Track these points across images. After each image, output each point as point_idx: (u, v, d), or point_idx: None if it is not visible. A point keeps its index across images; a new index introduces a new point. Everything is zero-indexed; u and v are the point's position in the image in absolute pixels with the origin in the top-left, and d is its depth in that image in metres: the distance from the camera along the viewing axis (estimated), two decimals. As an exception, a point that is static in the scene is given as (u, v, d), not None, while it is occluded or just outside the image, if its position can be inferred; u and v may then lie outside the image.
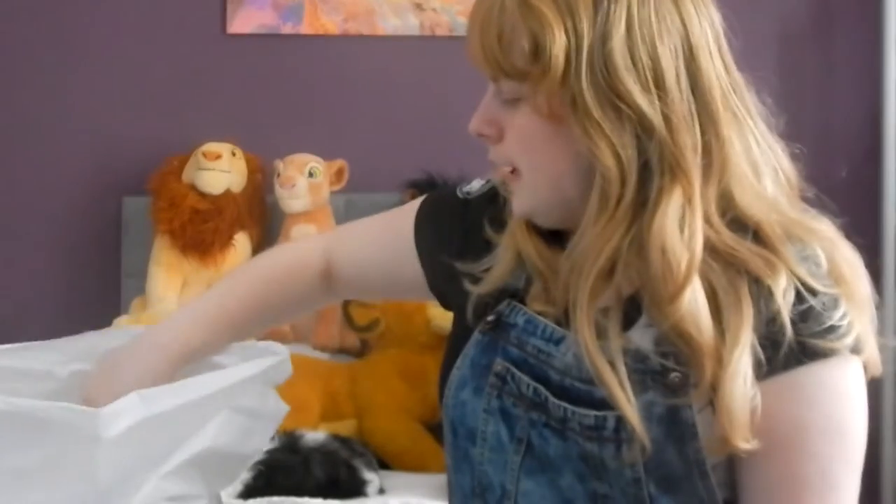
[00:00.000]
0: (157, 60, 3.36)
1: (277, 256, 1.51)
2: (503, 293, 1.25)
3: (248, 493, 2.51)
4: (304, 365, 2.99)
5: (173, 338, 1.36)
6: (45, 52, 3.33)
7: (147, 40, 3.35)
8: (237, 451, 1.30)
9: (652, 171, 1.13)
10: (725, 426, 1.10)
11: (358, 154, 3.29)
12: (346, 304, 3.03)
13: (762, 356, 1.12)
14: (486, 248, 1.29)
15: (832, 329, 1.13)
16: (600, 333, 1.15)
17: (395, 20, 3.38)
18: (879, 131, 3.34)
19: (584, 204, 1.16)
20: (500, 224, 1.29)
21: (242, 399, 1.30)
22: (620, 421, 1.14)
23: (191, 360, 1.35)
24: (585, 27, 1.13)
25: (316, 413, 2.91)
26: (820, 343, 1.13)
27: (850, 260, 1.18)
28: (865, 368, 1.17)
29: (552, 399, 1.18)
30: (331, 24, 3.37)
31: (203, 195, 3.16)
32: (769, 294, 1.12)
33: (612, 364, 1.14)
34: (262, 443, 1.35)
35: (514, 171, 1.21)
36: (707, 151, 1.14)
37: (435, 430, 2.92)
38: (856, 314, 1.15)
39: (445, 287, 1.35)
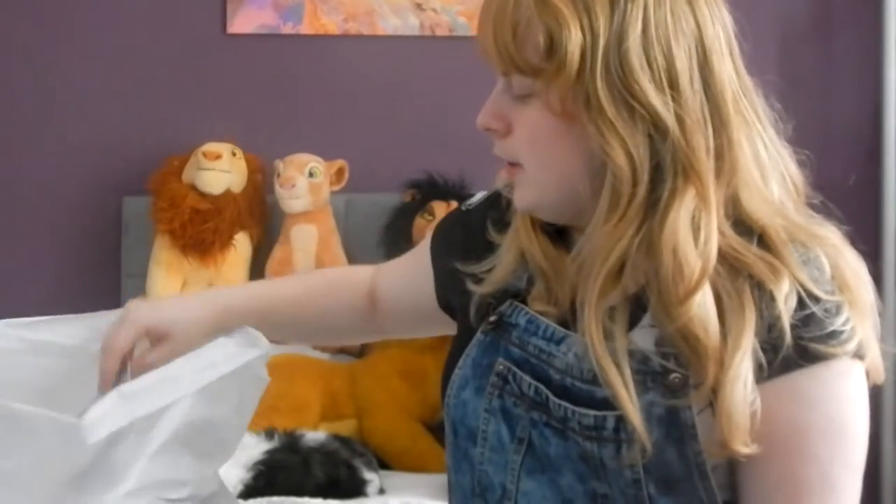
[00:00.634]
0: (157, 60, 3.36)
1: (329, 269, 1.54)
2: (505, 294, 1.26)
3: (248, 493, 2.51)
4: (304, 365, 2.99)
5: (220, 295, 1.45)
6: (45, 52, 3.34)
7: (147, 40, 3.35)
8: (218, 418, 1.29)
9: (664, 171, 1.13)
10: (725, 430, 1.10)
11: (358, 154, 3.30)
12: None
13: (763, 360, 1.12)
14: (489, 248, 1.29)
15: (834, 334, 1.13)
16: (606, 334, 1.15)
17: (395, 20, 3.38)
18: (880, 132, 3.34)
19: (591, 201, 1.16)
20: (502, 225, 1.29)
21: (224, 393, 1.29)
22: (620, 421, 1.14)
23: (225, 324, 1.36)
24: (602, 25, 1.12)
25: (316, 413, 2.91)
26: (821, 347, 1.13)
27: (854, 266, 1.18)
28: (868, 375, 1.17)
29: (553, 399, 1.18)
30: (331, 24, 3.37)
31: (203, 195, 3.17)
32: (771, 299, 1.12)
33: (617, 365, 1.14)
34: (244, 408, 1.33)
35: (518, 164, 1.21)
36: (719, 154, 1.15)
37: (435, 430, 2.92)
38: (858, 320, 1.15)
39: (450, 294, 1.36)
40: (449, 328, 1.40)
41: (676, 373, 1.13)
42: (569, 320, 1.20)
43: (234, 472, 2.51)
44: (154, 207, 3.19)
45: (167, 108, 3.36)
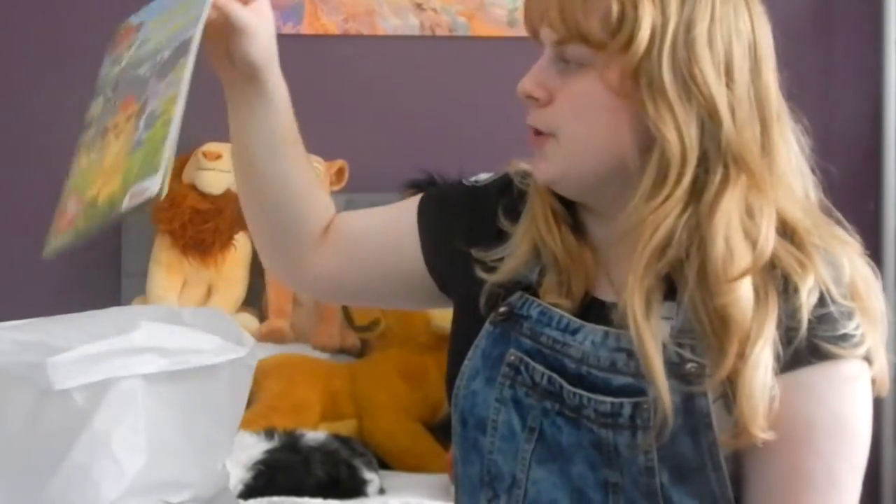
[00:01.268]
0: (157, 60, 3.35)
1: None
2: (517, 285, 1.26)
3: (248, 493, 2.51)
4: (304, 365, 2.99)
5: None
6: (45, 52, 3.33)
7: (147, 40, 3.35)
8: (210, 405, 1.29)
9: (711, 159, 1.16)
10: (745, 415, 1.13)
11: (358, 154, 3.29)
12: (345, 305, 3.03)
13: (779, 352, 1.14)
14: (498, 237, 1.29)
15: (846, 336, 1.16)
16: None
17: (395, 20, 3.38)
18: (879, 131, 3.34)
19: (628, 179, 1.18)
20: (514, 214, 1.30)
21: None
22: (636, 408, 1.15)
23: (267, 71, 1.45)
24: (673, 9, 1.16)
25: (316, 413, 2.91)
26: (833, 347, 1.16)
27: (867, 276, 1.20)
28: (873, 384, 1.19)
29: (567, 387, 1.20)
30: (331, 24, 3.37)
31: (203, 195, 3.17)
32: (795, 292, 1.15)
33: (654, 338, 1.15)
34: (235, 398, 1.33)
35: (549, 135, 1.21)
36: (765, 151, 1.19)
37: (435, 430, 2.92)
38: (869, 328, 1.18)
39: (447, 270, 1.35)
40: (400, 299, 1.44)
41: (693, 362, 1.15)
42: (583, 311, 1.22)
43: (234, 472, 2.51)
44: (154, 207, 3.19)
45: (167, 108, 3.35)
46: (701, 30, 1.16)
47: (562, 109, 1.20)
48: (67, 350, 1.20)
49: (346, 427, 2.92)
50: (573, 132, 1.20)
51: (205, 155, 3.16)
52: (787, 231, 1.19)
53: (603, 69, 1.17)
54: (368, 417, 2.94)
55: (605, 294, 1.24)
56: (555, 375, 1.21)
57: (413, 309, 2.71)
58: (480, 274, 1.28)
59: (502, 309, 1.26)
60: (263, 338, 3.04)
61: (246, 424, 2.34)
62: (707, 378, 1.15)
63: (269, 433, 2.66)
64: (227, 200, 3.17)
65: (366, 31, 3.38)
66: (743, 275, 1.14)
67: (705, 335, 1.15)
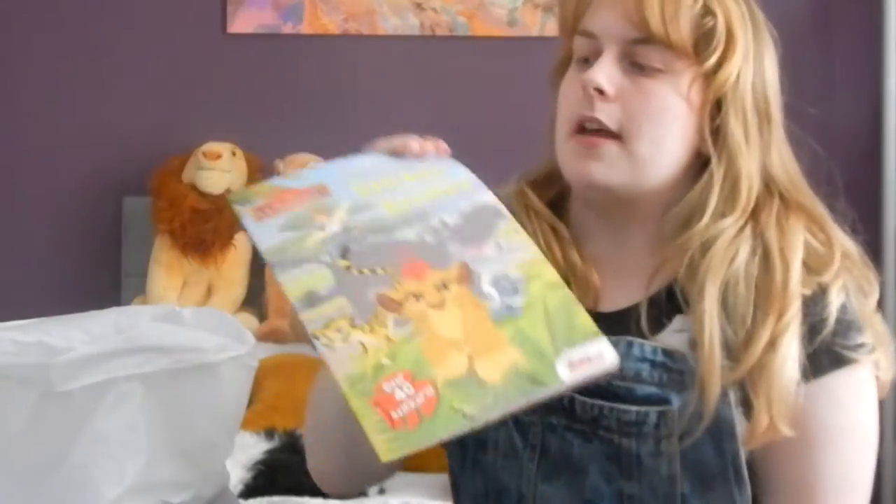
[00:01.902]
0: (157, 60, 3.36)
1: None
2: None
3: (248, 493, 2.51)
4: (304, 365, 2.99)
5: None
6: (45, 52, 3.33)
7: (147, 40, 3.35)
8: (212, 403, 1.29)
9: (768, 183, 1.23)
10: (773, 409, 1.14)
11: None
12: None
13: (804, 349, 1.17)
14: None
15: (863, 345, 1.19)
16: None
17: (395, 20, 3.38)
18: (879, 131, 3.34)
19: (670, 194, 1.21)
20: None
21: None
22: (662, 416, 1.16)
23: None
24: (751, 36, 1.23)
25: (316, 413, 2.90)
26: (852, 354, 1.18)
27: (871, 278, 1.25)
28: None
29: (582, 399, 1.19)
30: (331, 24, 3.37)
31: (203, 195, 3.17)
32: (823, 292, 1.18)
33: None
34: (237, 396, 1.33)
35: (611, 137, 1.20)
36: (793, 171, 1.27)
37: (435, 430, 2.91)
38: (877, 338, 1.21)
39: None
40: None
41: None
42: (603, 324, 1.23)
43: (235, 472, 2.50)
44: (154, 207, 3.19)
45: (167, 108, 3.36)
46: (769, 59, 1.25)
47: (634, 110, 1.19)
48: (68, 351, 1.20)
49: (346, 427, 2.91)
50: (646, 135, 1.19)
51: (205, 155, 3.16)
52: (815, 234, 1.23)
53: (679, 77, 1.19)
54: (368, 417, 2.93)
55: (608, 306, 1.23)
56: None
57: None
58: None
59: None
60: (263, 338, 3.04)
61: (246, 424, 2.33)
62: (730, 388, 1.16)
63: (269, 433, 2.66)
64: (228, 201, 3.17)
65: (366, 31, 3.37)
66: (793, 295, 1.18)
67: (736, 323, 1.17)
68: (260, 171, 3.26)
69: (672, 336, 1.19)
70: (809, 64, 3.40)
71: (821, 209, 1.24)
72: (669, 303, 1.21)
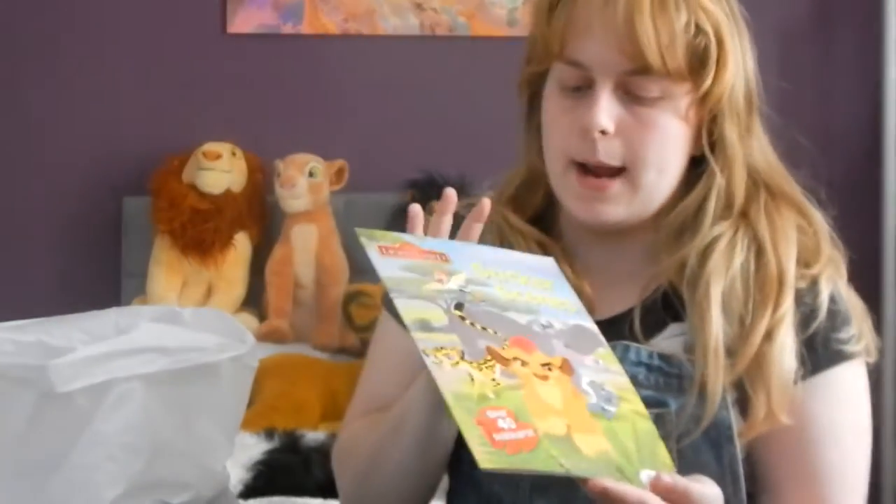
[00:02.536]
0: (157, 60, 3.36)
1: None
2: None
3: (248, 493, 2.51)
4: (304, 365, 2.99)
5: None
6: (45, 52, 3.33)
7: (147, 40, 3.35)
8: (212, 403, 1.28)
9: (756, 186, 1.23)
10: (772, 397, 1.15)
11: (358, 154, 3.29)
12: (345, 304, 3.03)
13: (803, 355, 1.18)
14: None
15: (855, 337, 1.20)
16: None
17: (395, 20, 3.38)
18: (879, 131, 3.34)
19: (668, 205, 1.22)
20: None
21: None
22: (659, 419, 1.15)
23: None
24: (738, 41, 1.21)
25: (316, 413, 2.91)
26: (847, 348, 1.20)
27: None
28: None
29: None
30: (331, 24, 3.37)
31: (203, 195, 3.17)
32: (813, 283, 1.20)
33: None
34: (238, 395, 1.32)
35: (618, 171, 1.20)
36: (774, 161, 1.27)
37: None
38: (857, 317, 1.22)
39: None
40: None
41: None
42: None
43: (235, 472, 2.51)
44: (154, 207, 3.19)
45: (167, 108, 3.35)
46: (749, 50, 1.23)
47: (636, 143, 1.19)
48: (68, 351, 1.20)
49: (346, 427, 2.91)
50: (652, 165, 1.19)
51: (205, 155, 3.16)
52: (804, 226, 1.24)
53: (677, 101, 1.18)
54: (368, 417, 2.94)
55: (603, 313, 1.23)
56: None
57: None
58: None
59: None
60: (263, 338, 3.04)
61: (246, 424, 2.33)
62: (727, 392, 1.17)
63: (269, 433, 2.66)
64: (227, 200, 3.18)
65: (366, 31, 3.37)
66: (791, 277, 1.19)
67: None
68: (260, 171, 3.26)
69: (667, 340, 1.19)
70: (809, 64, 3.40)
71: (800, 195, 1.25)
72: (665, 309, 1.21)
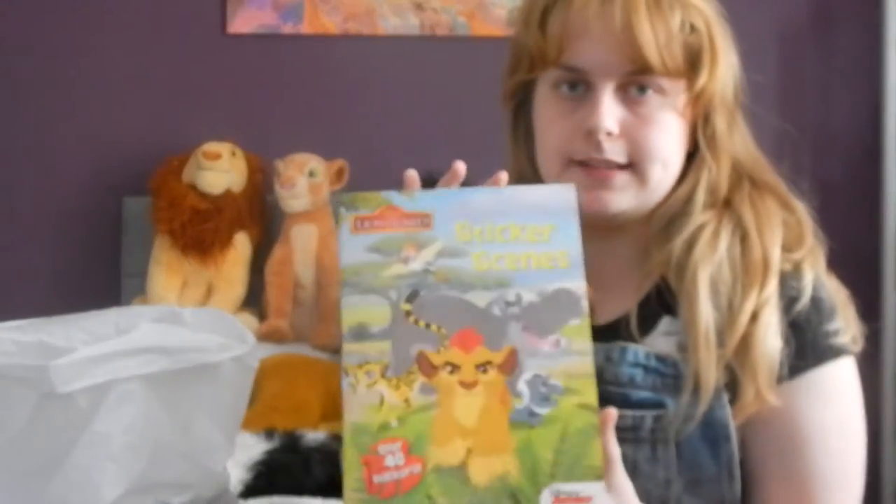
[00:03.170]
0: (156, 60, 3.36)
1: None
2: None
3: (248, 493, 2.51)
4: (304, 365, 2.99)
5: None
6: (44, 52, 3.34)
7: (147, 40, 3.35)
8: (213, 403, 1.28)
9: (739, 176, 1.25)
10: (759, 377, 1.16)
11: (358, 154, 3.30)
12: (346, 304, 3.03)
13: (786, 353, 1.18)
14: None
15: (841, 329, 1.21)
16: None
17: (395, 20, 3.38)
18: (879, 131, 3.34)
19: (666, 198, 1.24)
20: None
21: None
22: (658, 420, 1.17)
23: None
24: (725, 37, 1.25)
25: (316, 413, 2.91)
26: (834, 341, 1.20)
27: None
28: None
29: None
30: (331, 24, 3.37)
31: (203, 195, 3.17)
32: (797, 269, 1.21)
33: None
34: (238, 395, 1.33)
35: (619, 168, 1.21)
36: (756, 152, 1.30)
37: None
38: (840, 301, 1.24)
39: None
40: None
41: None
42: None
43: (235, 472, 2.51)
44: (154, 207, 3.20)
45: (167, 108, 3.36)
46: (731, 44, 1.25)
47: (640, 141, 1.21)
48: (68, 351, 1.20)
49: (347, 427, 2.91)
50: (656, 161, 1.21)
51: (205, 155, 3.17)
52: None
53: (675, 98, 1.21)
54: (368, 417, 2.94)
55: (601, 318, 1.23)
56: None
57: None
58: None
59: None
60: (263, 338, 3.04)
61: (246, 424, 2.32)
62: (723, 389, 1.17)
63: (269, 433, 2.66)
64: (227, 200, 3.18)
65: (366, 31, 3.38)
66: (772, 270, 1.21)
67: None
68: (260, 171, 3.26)
69: (662, 340, 1.20)
70: (809, 64, 3.40)
71: (783, 186, 1.27)
72: (658, 304, 1.21)
